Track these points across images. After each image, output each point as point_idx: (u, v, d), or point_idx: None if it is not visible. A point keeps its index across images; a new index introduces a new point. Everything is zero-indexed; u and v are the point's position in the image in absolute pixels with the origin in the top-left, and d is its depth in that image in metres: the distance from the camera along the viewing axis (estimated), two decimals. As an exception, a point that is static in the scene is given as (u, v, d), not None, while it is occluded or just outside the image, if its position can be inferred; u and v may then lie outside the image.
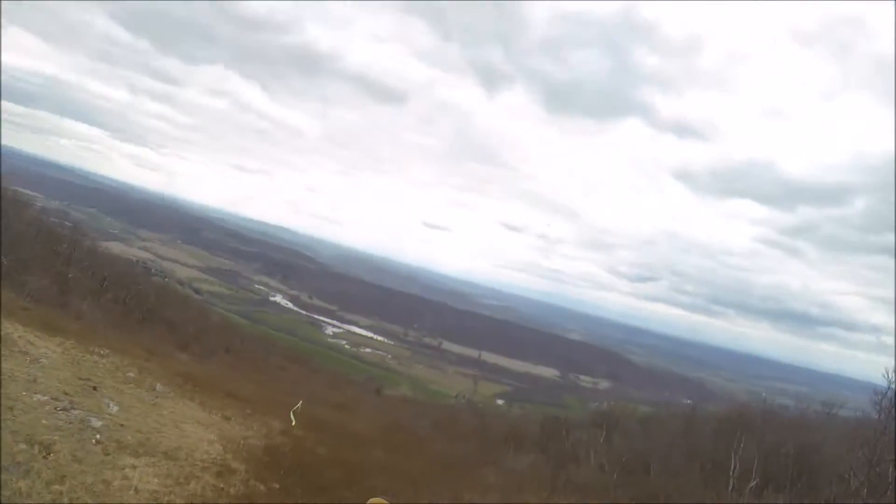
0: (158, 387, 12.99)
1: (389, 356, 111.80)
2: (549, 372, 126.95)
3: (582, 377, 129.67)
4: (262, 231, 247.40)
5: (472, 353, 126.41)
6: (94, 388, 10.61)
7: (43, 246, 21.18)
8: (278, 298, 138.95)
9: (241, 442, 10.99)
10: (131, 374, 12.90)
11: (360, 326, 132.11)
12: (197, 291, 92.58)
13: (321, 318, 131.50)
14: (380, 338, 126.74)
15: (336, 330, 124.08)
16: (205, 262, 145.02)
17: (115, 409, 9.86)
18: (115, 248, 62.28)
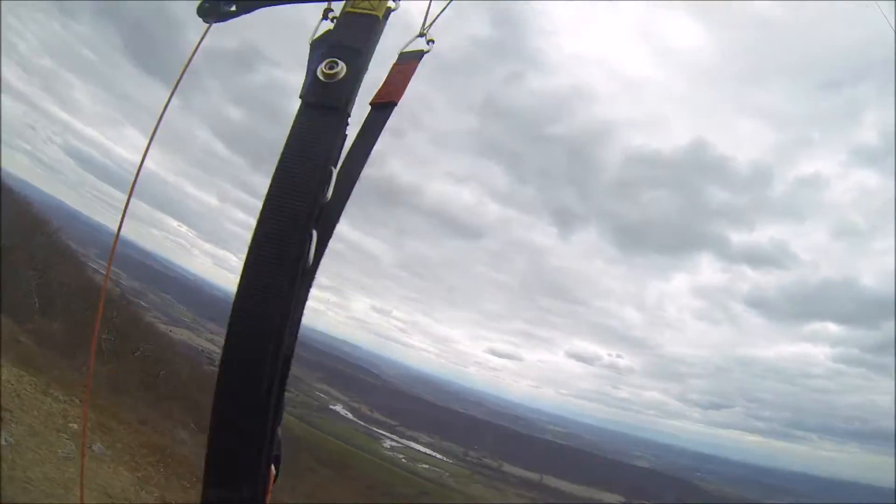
0: (97, 447, 10.54)
1: (447, 474, 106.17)
2: (613, 498, 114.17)
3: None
4: (327, 343, 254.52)
5: (533, 476, 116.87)
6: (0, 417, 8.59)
7: (79, 299, 20.13)
8: (338, 408, 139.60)
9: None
10: (75, 426, 10.63)
11: (420, 443, 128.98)
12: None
13: (380, 430, 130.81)
14: (439, 455, 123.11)
15: (394, 444, 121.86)
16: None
17: (3, 442, 7.67)
18: (183, 334, 64.47)
